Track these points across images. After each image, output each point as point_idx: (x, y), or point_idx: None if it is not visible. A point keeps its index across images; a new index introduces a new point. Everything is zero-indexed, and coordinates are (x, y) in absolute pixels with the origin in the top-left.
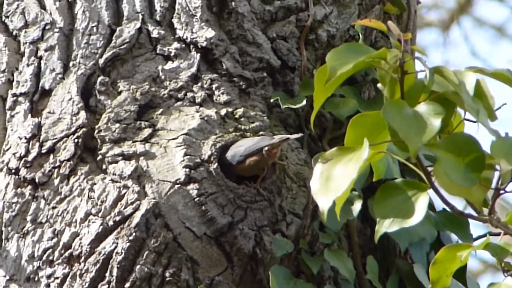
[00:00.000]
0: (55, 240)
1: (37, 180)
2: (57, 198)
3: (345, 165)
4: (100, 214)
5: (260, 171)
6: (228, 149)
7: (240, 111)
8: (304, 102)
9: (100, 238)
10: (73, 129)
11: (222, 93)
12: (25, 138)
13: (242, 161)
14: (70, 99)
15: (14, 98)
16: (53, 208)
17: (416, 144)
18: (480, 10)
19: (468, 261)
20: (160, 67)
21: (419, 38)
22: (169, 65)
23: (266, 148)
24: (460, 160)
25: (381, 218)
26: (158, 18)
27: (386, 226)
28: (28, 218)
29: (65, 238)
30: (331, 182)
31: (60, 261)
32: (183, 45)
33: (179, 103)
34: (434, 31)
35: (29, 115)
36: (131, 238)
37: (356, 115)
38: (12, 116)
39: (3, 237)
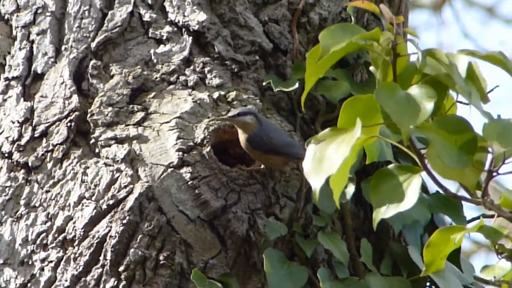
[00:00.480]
0: (48, 224)
1: (30, 164)
2: (50, 182)
3: (338, 146)
4: (93, 198)
5: (273, 167)
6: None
7: (232, 94)
8: (297, 85)
9: (93, 221)
10: (65, 113)
11: (215, 77)
12: (18, 122)
13: (267, 152)
14: (62, 83)
15: (7, 82)
16: (47, 192)
17: (408, 128)
18: None
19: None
20: (152, 51)
21: (411, 18)
22: (161, 48)
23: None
24: (453, 143)
25: (377, 205)
26: (149, 1)
27: (382, 212)
28: (22, 202)
29: (58, 222)
30: (324, 162)
31: (54, 244)
32: (175, 29)
33: (171, 86)
34: (425, 12)
35: (22, 99)
36: (124, 221)
37: (349, 99)
38: (5, 100)
39: None
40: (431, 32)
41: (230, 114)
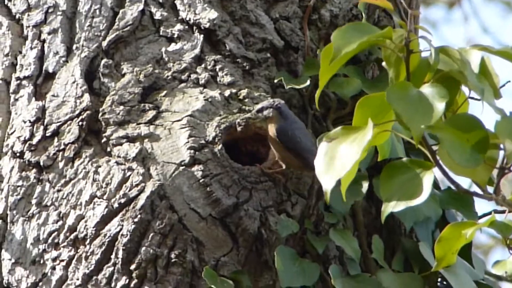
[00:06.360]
0: (60, 223)
1: (41, 163)
2: (62, 181)
3: (350, 145)
4: (105, 197)
5: (288, 166)
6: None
7: (244, 92)
8: (308, 82)
9: (105, 220)
10: (77, 112)
11: (226, 74)
12: (30, 121)
13: (288, 149)
14: (74, 82)
15: (18, 81)
16: (58, 191)
17: (419, 129)
18: None
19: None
20: (163, 49)
21: (429, 13)
22: (173, 46)
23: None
24: (464, 141)
25: (386, 198)
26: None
27: (392, 206)
28: (33, 201)
29: (70, 220)
30: (335, 161)
31: (65, 243)
32: (186, 27)
33: (183, 84)
34: (442, 7)
35: (33, 99)
36: (136, 220)
37: (363, 97)
38: (16, 100)
39: (8, 220)
40: (450, 27)
41: (253, 111)
